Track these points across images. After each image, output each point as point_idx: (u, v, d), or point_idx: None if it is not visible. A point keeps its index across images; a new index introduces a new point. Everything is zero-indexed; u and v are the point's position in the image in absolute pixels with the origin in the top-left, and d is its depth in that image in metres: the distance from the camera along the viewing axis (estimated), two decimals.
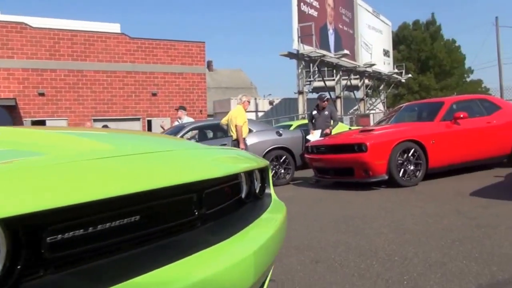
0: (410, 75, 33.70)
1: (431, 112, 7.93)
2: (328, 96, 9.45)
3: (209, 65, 43.51)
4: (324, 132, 8.99)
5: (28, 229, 0.87)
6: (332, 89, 24.86)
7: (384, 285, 2.77)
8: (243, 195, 1.68)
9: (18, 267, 0.85)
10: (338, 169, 7.42)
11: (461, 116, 7.56)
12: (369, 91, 29.49)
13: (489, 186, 6.52)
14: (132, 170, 1.16)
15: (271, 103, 26.33)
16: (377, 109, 29.82)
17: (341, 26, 23.48)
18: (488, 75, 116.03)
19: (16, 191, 0.84)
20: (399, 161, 6.94)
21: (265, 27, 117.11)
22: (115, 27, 24.60)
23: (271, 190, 1.92)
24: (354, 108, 28.05)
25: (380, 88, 31.33)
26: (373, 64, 26.04)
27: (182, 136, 8.40)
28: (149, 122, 22.05)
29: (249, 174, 1.71)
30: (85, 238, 1.00)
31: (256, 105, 25.59)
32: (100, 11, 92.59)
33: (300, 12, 19.09)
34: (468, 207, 5.07)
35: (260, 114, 25.46)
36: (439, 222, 4.42)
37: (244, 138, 7.79)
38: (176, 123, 10.68)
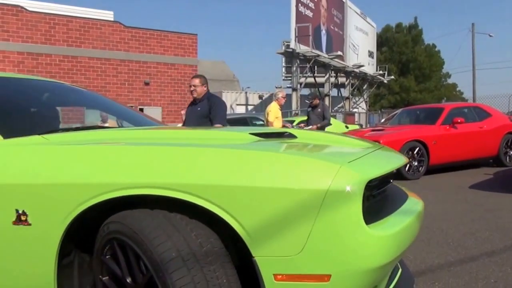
0: (392, 77, 34.93)
1: (432, 116, 8.85)
2: (318, 95, 9.68)
3: None
4: (310, 128, 8.99)
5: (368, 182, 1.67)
6: (321, 85, 25.73)
7: (436, 245, 3.64)
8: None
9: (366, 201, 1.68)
10: None
11: (459, 121, 8.54)
12: (355, 89, 30.54)
13: (483, 181, 7.43)
14: (390, 156, 2.17)
15: (260, 97, 27.04)
16: (360, 107, 30.90)
17: (332, 27, 24.37)
18: (461, 79, 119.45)
19: (373, 165, 1.82)
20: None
21: (250, 22, 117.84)
22: (108, 15, 24.80)
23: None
24: (339, 105, 29.06)
25: (364, 87, 32.45)
26: (362, 66, 27.08)
27: None
28: (141, 110, 22.44)
29: None
30: (378, 187, 1.88)
31: (246, 98, 26.26)
32: None
33: (298, 12, 19.86)
34: (472, 197, 5.93)
35: (249, 107, 26.17)
36: (454, 208, 5.25)
37: None
38: None
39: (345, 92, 29.04)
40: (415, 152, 7.93)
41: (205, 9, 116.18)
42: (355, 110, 28.97)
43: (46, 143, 2.08)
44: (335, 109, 27.63)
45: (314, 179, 1.58)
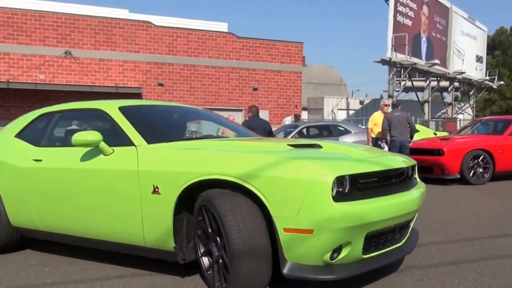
0: (502, 82, 33.67)
1: (502, 127, 9.69)
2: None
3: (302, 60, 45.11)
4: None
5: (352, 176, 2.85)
6: (421, 89, 25.91)
7: (442, 231, 4.94)
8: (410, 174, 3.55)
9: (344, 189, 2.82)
10: (419, 167, 9.21)
11: None
12: (458, 94, 30.03)
13: None
14: (390, 160, 3.34)
15: (361, 102, 27.96)
16: (466, 113, 30.38)
17: (434, 34, 24.68)
18: None
19: (350, 167, 2.91)
20: (470, 165, 8.82)
21: (358, 29, 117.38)
22: (223, 26, 27.10)
23: (416, 175, 3.75)
24: (442, 111, 28.92)
25: (470, 93, 31.76)
26: (463, 72, 26.85)
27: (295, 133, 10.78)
28: None
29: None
30: (372, 182, 3.00)
31: (348, 104, 27.35)
32: (210, 11, 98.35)
33: (396, 22, 20.71)
34: None
35: (350, 112, 27.24)
36: (489, 208, 6.38)
37: (379, 139, 9.46)
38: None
39: (448, 98, 28.83)
40: (479, 160, 8.89)
41: (315, 13, 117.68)
42: (459, 116, 28.65)
43: (168, 147, 3.43)
44: (437, 115, 27.65)
45: (306, 173, 2.74)
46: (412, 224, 3.52)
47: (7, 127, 4.74)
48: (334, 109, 27.46)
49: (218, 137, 4.64)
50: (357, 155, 3.30)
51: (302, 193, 2.68)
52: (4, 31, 19.44)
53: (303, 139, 5.50)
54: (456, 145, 9.05)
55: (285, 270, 2.78)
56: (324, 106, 27.25)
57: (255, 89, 24.28)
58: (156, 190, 3.19)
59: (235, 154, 3.08)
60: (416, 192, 3.33)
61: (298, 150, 3.30)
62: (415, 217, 3.54)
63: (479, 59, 31.41)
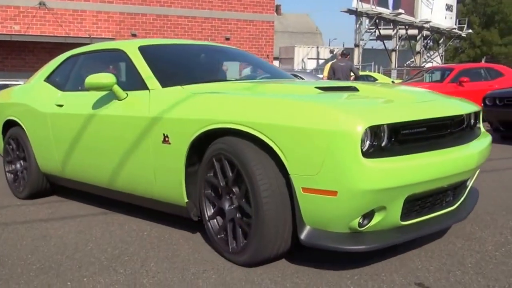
0: (470, 30, 34.33)
1: (443, 76, 10.58)
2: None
3: (277, 9, 44.73)
4: None
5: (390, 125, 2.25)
6: (389, 39, 26.41)
7: None
8: (471, 122, 2.90)
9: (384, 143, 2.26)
10: None
11: (465, 80, 10.10)
12: (429, 41, 30.54)
13: None
14: (446, 105, 2.67)
15: (331, 51, 28.39)
16: (434, 62, 31.10)
17: None
18: None
19: (386, 115, 2.27)
20: None
21: None
22: None
23: (480, 125, 3.11)
24: (411, 60, 29.58)
25: (440, 41, 32.33)
26: (429, 21, 27.41)
27: None
28: None
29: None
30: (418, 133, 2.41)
31: (318, 53, 27.80)
32: None
33: None
34: None
35: (321, 61, 27.72)
36: None
37: None
38: None
39: (417, 47, 29.41)
40: None
41: None
42: (427, 65, 29.35)
43: (182, 91, 2.99)
44: (406, 63, 28.36)
45: (330, 122, 2.18)
46: (471, 183, 2.95)
47: (39, 72, 4.60)
48: (304, 59, 27.88)
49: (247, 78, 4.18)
50: (401, 99, 2.66)
51: (324, 147, 2.18)
52: None
53: (337, 81, 4.81)
54: None
55: (302, 236, 2.36)
56: (294, 55, 27.62)
57: (227, 39, 24.35)
58: (166, 139, 2.87)
59: (246, 98, 2.62)
60: (478, 146, 2.73)
61: (326, 94, 2.72)
62: (476, 174, 2.99)
63: (449, 7, 31.83)
